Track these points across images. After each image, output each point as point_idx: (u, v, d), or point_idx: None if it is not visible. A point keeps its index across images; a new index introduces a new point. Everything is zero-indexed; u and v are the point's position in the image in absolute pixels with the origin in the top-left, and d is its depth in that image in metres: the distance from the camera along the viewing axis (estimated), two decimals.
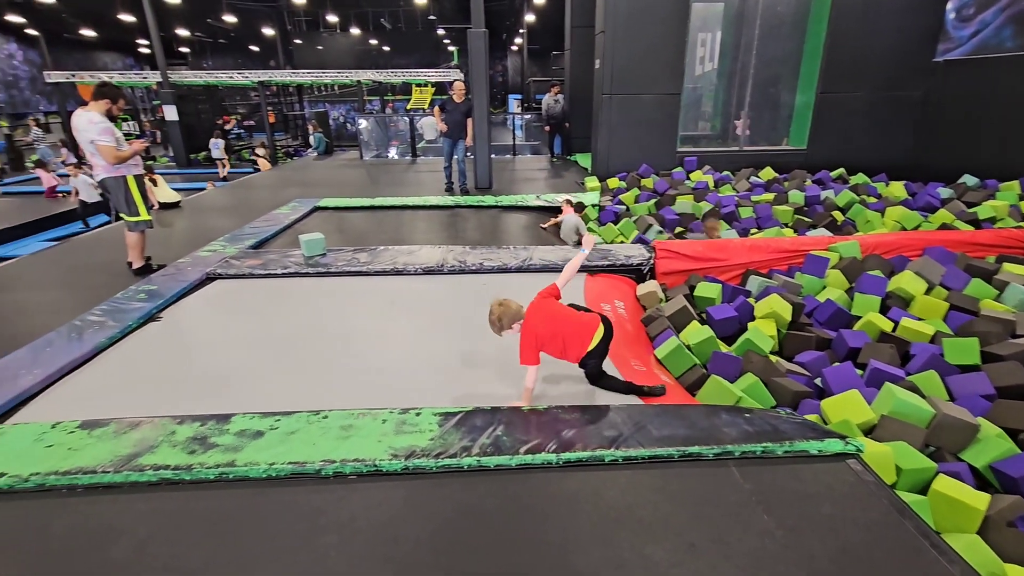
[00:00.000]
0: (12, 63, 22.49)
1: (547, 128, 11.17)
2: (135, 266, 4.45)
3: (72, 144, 14.40)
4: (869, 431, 2.60)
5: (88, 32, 23.71)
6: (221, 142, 13.10)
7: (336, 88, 24.18)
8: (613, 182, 7.69)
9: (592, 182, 7.85)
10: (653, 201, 6.46)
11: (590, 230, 6.07)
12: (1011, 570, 1.92)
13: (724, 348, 3.44)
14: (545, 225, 5.86)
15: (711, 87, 8.88)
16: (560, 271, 2.73)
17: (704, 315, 3.91)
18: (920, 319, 3.70)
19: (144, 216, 4.34)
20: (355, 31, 27.34)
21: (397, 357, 3.10)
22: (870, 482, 2.00)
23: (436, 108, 7.58)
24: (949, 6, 7.41)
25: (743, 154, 8.33)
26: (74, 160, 13.15)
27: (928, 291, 4.03)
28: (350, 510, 1.89)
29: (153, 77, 16.00)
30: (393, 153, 13.46)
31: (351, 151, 14.24)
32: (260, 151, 15.01)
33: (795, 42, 8.15)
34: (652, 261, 4.49)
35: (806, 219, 5.75)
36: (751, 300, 3.99)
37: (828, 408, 2.71)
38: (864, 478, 2.02)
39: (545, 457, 2.08)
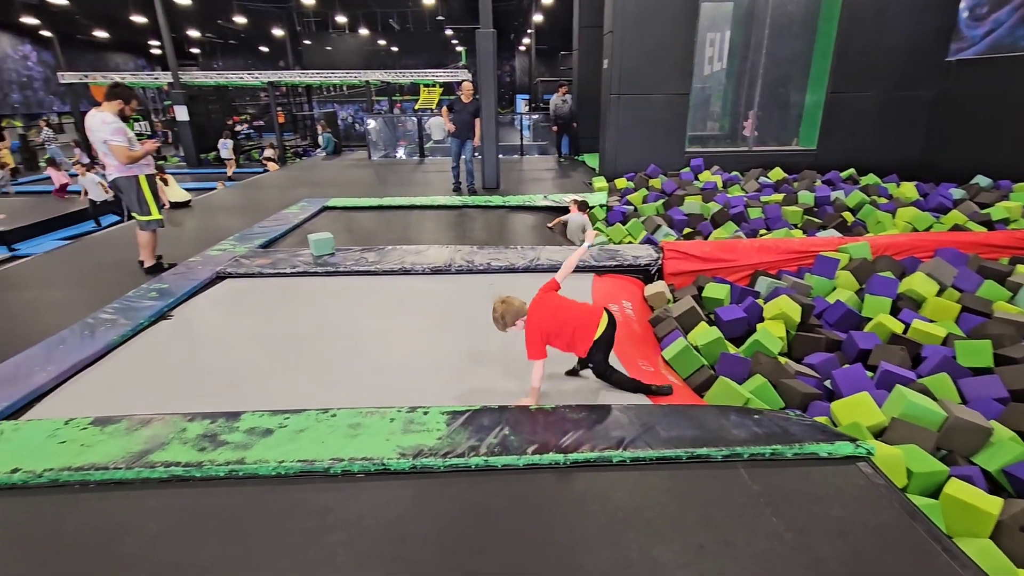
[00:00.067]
0: (27, 64, 22.78)
1: (555, 128, 11.16)
2: (146, 265, 4.50)
3: (86, 144, 14.59)
4: (879, 434, 2.58)
5: (101, 33, 24.00)
6: (230, 142, 13.22)
7: (345, 88, 24.32)
8: (621, 182, 7.67)
9: (600, 182, 7.83)
10: (661, 202, 6.43)
11: (598, 230, 6.06)
12: None
13: (732, 349, 3.43)
14: (551, 224, 5.86)
15: (720, 87, 8.84)
16: None
17: (712, 316, 3.89)
18: (932, 321, 3.66)
19: (156, 215, 4.39)
20: (364, 32, 27.44)
21: (405, 356, 3.11)
22: (881, 485, 1.99)
23: (444, 108, 7.60)
24: (962, 5, 7.33)
25: (752, 154, 8.28)
26: (86, 160, 13.32)
27: (940, 293, 3.99)
28: (358, 508, 1.90)
29: (164, 78, 16.16)
30: (401, 153, 13.51)
31: (359, 151, 14.30)
32: (269, 151, 15.13)
33: (805, 41, 8.09)
34: (660, 262, 4.47)
35: (816, 220, 5.70)
36: (760, 301, 3.96)
37: (838, 410, 2.69)
38: (875, 481, 2.01)
39: (553, 457, 2.08)
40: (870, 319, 3.73)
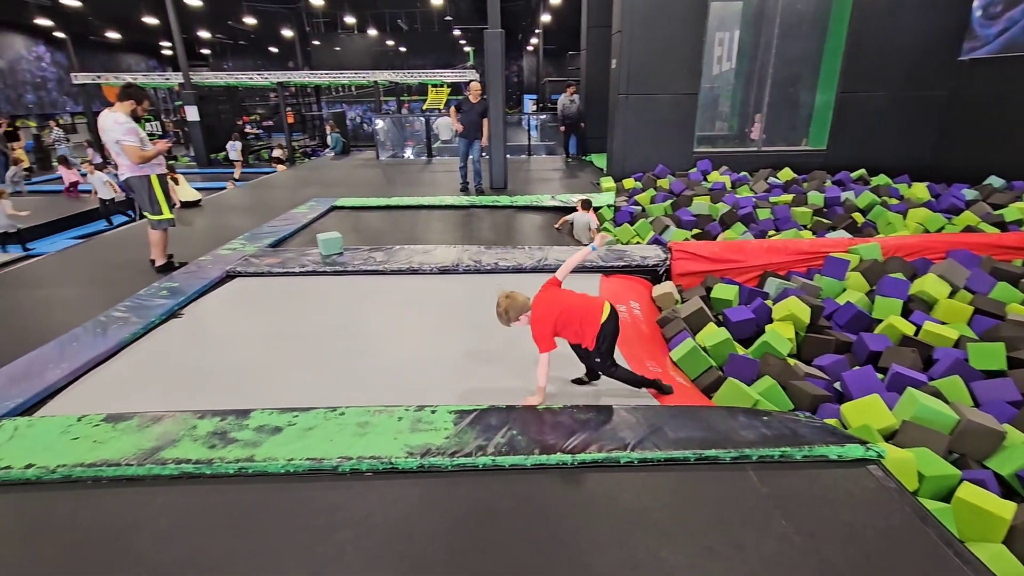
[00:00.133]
0: (41, 65, 23.08)
1: (562, 128, 11.15)
2: (158, 264, 4.54)
3: (98, 144, 14.76)
4: (890, 437, 2.56)
5: (113, 34, 24.29)
6: (239, 144, 13.31)
7: (353, 89, 24.41)
8: (629, 182, 7.65)
9: (607, 182, 7.81)
10: (669, 202, 6.41)
11: (605, 230, 6.05)
12: None
13: (741, 350, 3.41)
14: (557, 225, 5.87)
15: (729, 87, 8.80)
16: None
17: (721, 317, 3.87)
18: (944, 323, 3.62)
19: (167, 215, 4.43)
20: (372, 32, 27.57)
21: (412, 355, 3.12)
22: (892, 488, 1.97)
23: (452, 108, 7.61)
24: (975, 4, 7.24)
25: (761, 155, 8.23)
26: (99, 159, 13.46)
27: (952, 294, 3.94)
28: (366, 507, 1.91)
29: (175, 78, 16.31)
30: (409, 153, 13.54)
31: (368, 151, 14.36)
32: (277, 152, 15.22)
33: (815, 41, 8.03)
34: (668, 262, 4.46)
35: (825, 221, 5.66)
36: (769, 302, 3.94)
37: (848, 412, 2.67)
38: (885, 484, 1.99)
39: (560, 458, 2.08)
40: (881, 321, 3.70)
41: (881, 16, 7.38)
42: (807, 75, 8.24)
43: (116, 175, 5.04)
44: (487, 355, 3.09)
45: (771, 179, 7.34)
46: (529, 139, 12.86)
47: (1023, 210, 5.35)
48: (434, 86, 20.49)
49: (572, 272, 2.61)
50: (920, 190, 6.53)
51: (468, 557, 1.71)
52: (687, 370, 3.17)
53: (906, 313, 3.81)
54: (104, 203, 9.51)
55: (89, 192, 9.82)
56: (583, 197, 6.23)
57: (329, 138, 15.11)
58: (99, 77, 16.84)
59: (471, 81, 7.85)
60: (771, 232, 5.48)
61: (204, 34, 26.82)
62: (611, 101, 8.32)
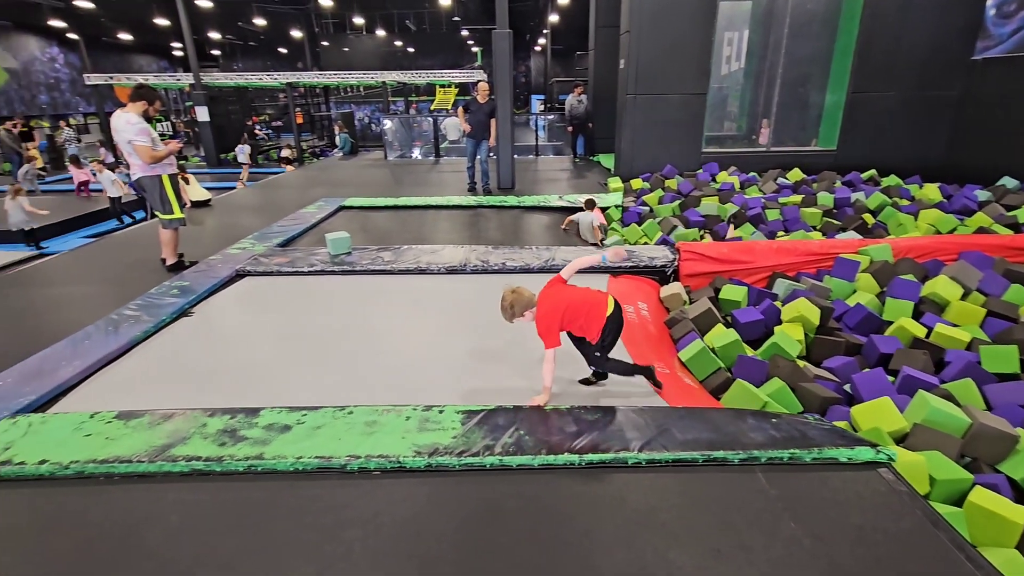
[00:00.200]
0: (54, 66, 23.35)
1: (570, 128, 11.14)
2: (168, 263, 4.59)
3: (110, 144, 14.92)
4: (901, 440, 2.53)
5: (125, 36, 24.54)
6: (247, 148, 13.38)
7: (362, 89, 24.53)
8: (636, 183, 7.63)
9: (615, 183, 7.80)
10: (677, 203, 6.38)
11: (613, 230, 6.04)
12: None
13: (750, 352, 3.39)
14: (564, 226, 5.88)
15: (737, 87, 8.75)
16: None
17: (729, 318, 3.85)
18: (955, 325, 3.58)
19: (178, 214, 4.47)
20: (381, 33, 27.66)
21: (420, 354, 3.13)
22: (903, 492, 1.95)
23: (460, 109, 7.63)
24: (989, 2, 7.15)
25: (770, 155, 8.18)
26: (111, 159, 13.60)
27: (964, 296, 3.90)
28: (374, 506, 1.92)
29: (186, 79, 16.46)
30: (417, 153, 13.58)
31: (376, 151, 14.42)
32: (286, 152, 15.32)
33: (826, 40, 7.97)
34: (676, 263, 4.44)
35: (835, 222, 5.61)
36: (778, 303, 3.91)
37: (858, 415, 2.64)
38: (896, 488, 1.97)
39: (568, 458, 2.08)
40: (891, 323, 3.66)
41: (892, 15, 7.31)
42: (817, 75, 8.18)
43: (127, 175, 5.09)
44: (494, 355, 3.09)
45: (780, 180, 7.29)
46: (536, 139, 12.86)
47: None
48: (442, 86, 20.55)
49: (578, 272, 2.61)
50: (932, 191, 6.46)
51: (475, 556, 1.71)
52: (695, 371, 3.15)
53: (917, 315, 3.77)
54: (114, 201, 9.61)
55: (100, 191, 9.93)
56: (588, 197, 6.25)
57: (338, 138, 15.18)
58: (111, 78, 17.02)
59: (479, 81, 7.85)
60: (780, 233, 5.45)
61: (214, 35, 27.03)
62: (619, 101, 8.29)
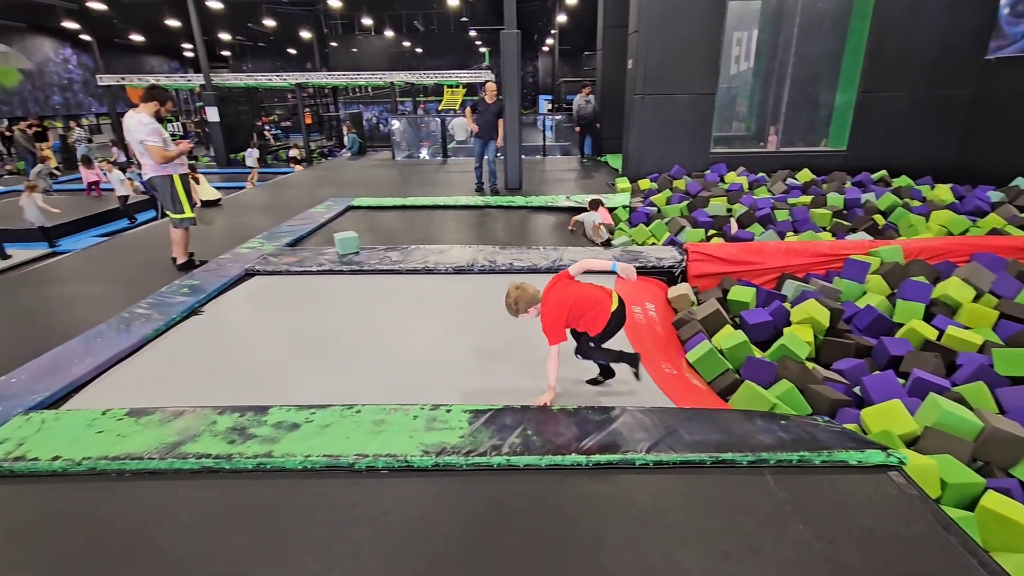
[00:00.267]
0: (67, 67, 23.65)
1: (577, 129, 11.12)
2: (179, 262, 4.63)
3: (122, 144, 15.08)
4: (912, 443, 2.51)
5: (137, 37, 24.79)
6: (256, 151, 13.45)
7: (370, 90, 24.62)
8: (644, 183, 7.60)
9: (623, 183, 7.78)
10: (685, 203, 6.36)
11: (620, 230, 6.03)
12: None
13: (758, 353, 3.37)
14: (571, 227, 5.88)
15: (746, 87, 8.69)
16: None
17: (737, 319, 3.83)
18: (968, 328, 3.54)
19: (188, 213, 4.51)
20: (389, 33, 27.77)
21: (427, 354, 3.14)
22: (913, 496, 1.93)
23: (468, 109, 7.64)
24: (1003, 1, 7.07)
25: (779, 156, 8.13)
26: (123, 158, 13.73)
27: (976, 299, 3.85)
28: (382, 504, 1.92)
29: (197, 80, 16.59)
30: (424, 153, 13.61)
31: (384, 151, 14.46)
32: (294, 152, 15.39)
33: (836, 40, 7.90)
34: (684, 263, 4.42)
35: (845, 223, 5.56)
36: (787, 305, 3.89)
37: (868, 418, 2.62)
38: (907, 491, 1.95)
39: (575, 459, 2.07)
40: (902, 325, 3.63)
41: (904, 14, 7.24)
42: (827, 75, 8.11)
43: (139, 174, 5.14)
44: (502, 354, 3.10)
45: (789, 180, 7.24)
46: (544, 139, 12.85)
47: None
48: (450, 87, 20.61)
49: (586, 272, 2.61)
50: (943, 192, 6.39)
51: (482, 556, 1.72)
52: (703, 372, 3.14)
53: (928, 317, 3.74)
54: (123, 200, 9.72)
55: (111, 190, 10.05)
56: (592, 197, 6.26)
57: (346, 138, 15.25)
58: (123, 79, 17.19)
59: (487, 82, 7.86)
60: (789, 234, 5.41)
61: (225, 36, 27.25)
62: (627, 101, 8.27)
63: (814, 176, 7.37)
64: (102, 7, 17.83)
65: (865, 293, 4.11)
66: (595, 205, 5.93)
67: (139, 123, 4.15)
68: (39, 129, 15.71)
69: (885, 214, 5.81)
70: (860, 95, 7.64)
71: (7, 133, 17.42)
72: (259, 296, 4.12)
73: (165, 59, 30.92)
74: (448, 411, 2.39)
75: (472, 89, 21.28)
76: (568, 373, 2.69)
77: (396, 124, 13.51)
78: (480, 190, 7.85)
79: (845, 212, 5.94)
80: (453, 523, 1.84)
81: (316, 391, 2.70)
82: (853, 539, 1.74)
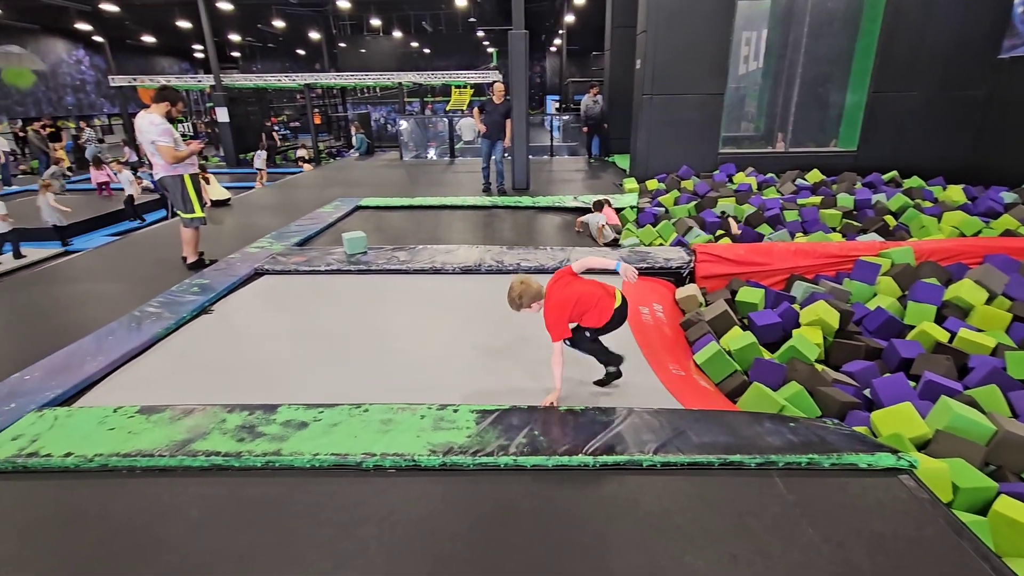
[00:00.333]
0: (80, 68, 23.90)
1: (585, 129, 11.11)
2: (189, 261, 4.67)
3: (134, 144, 15.22)
4: (923, 446, 2.48)
5: (149, 38, 25.03)
6: (264, 153, 13.53)
7: (378, 90, 24.71)
8: (652, 184, 7.58)
9: (630, 184, 7.76)
10: (693, 203, 6.33)
11: (628, 231, 6.02)
12: None
13: (767, 355, 3.35)
14: (578, 228, 5.88)
15: (755, 87, 8.64)
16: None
17: (746, 321, 3.80)
18: (980, 330, 3.50)
19: (199, 213, 4.55)
20: (397, 34, 27.85)
21: (434, 353, 3.15)
22: (924, 499, 1.91)
23: (475, 109, 7.65)
24: (1017, 0, 6.98)
25: (788, 156, 8.07)
26: (135, 158, 13.86)
27: (989, 301, 3.81)
28: (389, 503, 1.93)
29: (207, 80, 16.73)
30: (432, 154, 13.65)
31: (391, 152, 14.52)
32: (302, 152, 15.48)
33: (846, 39, 7.84)
34: (692, 264, 4.40)
35: (855, 224, 5.51)
36: (796, 306, 3.86)
37: (878, 420, 2.60)
38: (918, 495, 1.94)
39: (582, 459, 2.07)
40: (913, 327, 3.59)
41: (916, 13, 7.16)
42: (837, 74, 8.05)
43: (150, 174, 5.19)
44: (509, 354, 3.10)
45: (799, 181, 7.19)
46: (551, 140, 12.84)
47: None
48: (457, 87, 20.61)
49: (590, 271, 2.61)
50: (956, 193, 6.32)
51: (489, 556, 1.72)
52: (711, 374, 3.13)
53: (940, 319, 3.69)
54: (130, 200, 9.81)
55: (121, 190, 10.15)
56: (596, 199, 6.26)
57: (354, 139, 15.31)
58: (135, 79, 17.36)
59: (494, 82, 7.86)
60: (799, 235, 5.37)
61: (235, 37, 27.44)
62: (635, 102, 8.25)
63: (824, 177, 7.32)
64: (114, 9, 18.02)
65: (876, 295, 4.07)
66: (600, 206, 5.93)
67: (151, 123, 4.19)
68: (52, 130, 15.91)
69: (896, 215, 5.76)
70: (871, 95, 7.57)
71: (21, 134, 17.65)
72: (268, 295, 4.14)
73: (176, 60, 31.18)
74: (455, 411, 2.39)
75: (480, 89, 21.31)
76: (574, 374, 2.69)
77: (404, 124, 13.56)
78: (487, 190, 7.86)
79: (855, 213, 5.89)
80: (460, 523, 1.85)
81: (324, 390, 2.71)
82: (863, 542, 1.73)
